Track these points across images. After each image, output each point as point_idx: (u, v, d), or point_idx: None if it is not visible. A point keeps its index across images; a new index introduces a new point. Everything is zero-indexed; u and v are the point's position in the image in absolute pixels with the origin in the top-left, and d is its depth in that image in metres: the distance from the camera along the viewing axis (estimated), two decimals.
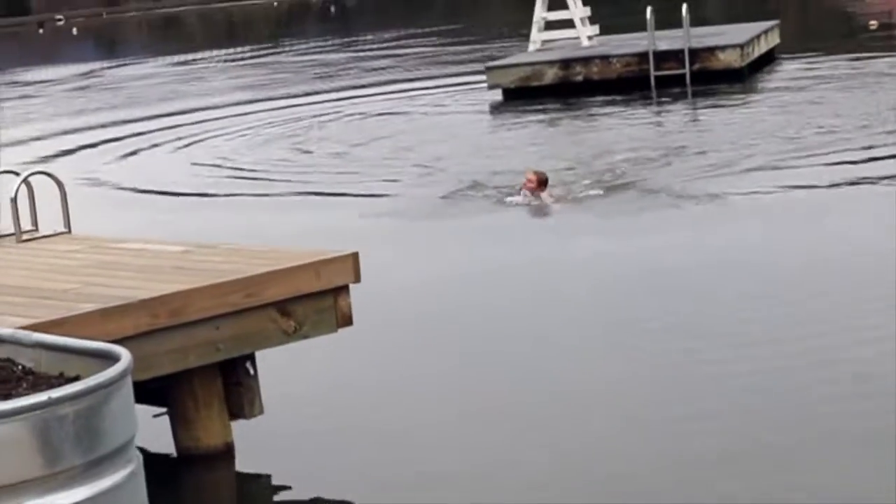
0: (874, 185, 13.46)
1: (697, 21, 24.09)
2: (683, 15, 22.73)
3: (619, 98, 21.87)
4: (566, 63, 23.46)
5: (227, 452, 7.48)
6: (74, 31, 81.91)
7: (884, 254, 10.34)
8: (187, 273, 7.33)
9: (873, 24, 31.80)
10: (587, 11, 26.17)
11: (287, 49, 39.93)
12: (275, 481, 7.32)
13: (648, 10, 22.50)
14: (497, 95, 23.39)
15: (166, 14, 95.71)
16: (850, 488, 6.36)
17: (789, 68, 24.42)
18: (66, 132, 23.55)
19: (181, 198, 15.87)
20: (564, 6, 25.81)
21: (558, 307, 10.03)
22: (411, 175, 16.37)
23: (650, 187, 14.16)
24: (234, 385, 7.48)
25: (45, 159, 19.49)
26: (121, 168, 18.97)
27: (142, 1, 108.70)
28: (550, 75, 23.38)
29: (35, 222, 9.04)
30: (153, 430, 7.26)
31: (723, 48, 23.11)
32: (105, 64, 38.83)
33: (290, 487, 7.18)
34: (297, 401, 8.24)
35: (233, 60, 36.15)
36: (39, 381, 3.83)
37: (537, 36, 25.94)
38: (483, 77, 24.09)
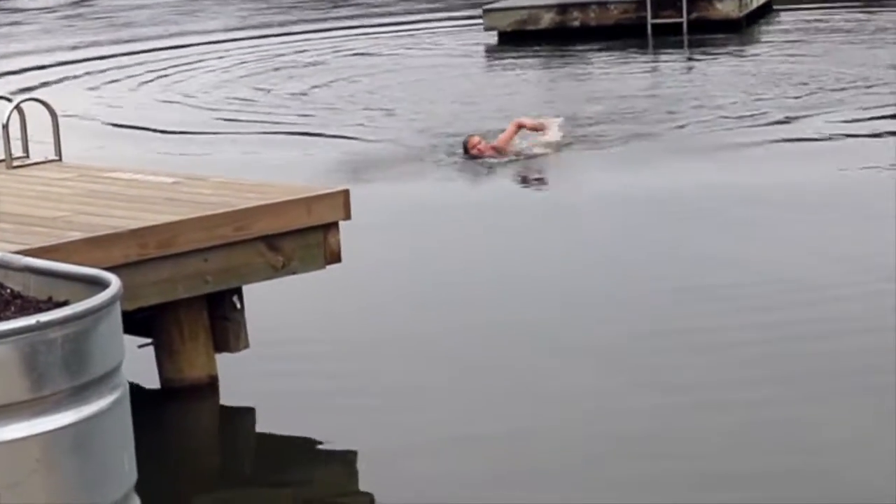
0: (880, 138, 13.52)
1: None
2: None
3: (615, 44, 21.78)
4: (563, 8, 23.34)
5: (212, 385, 7.49)
6: None
7: None
8: (177, 204, 7.32)
9: None
10: None
11: None
12: (258, 415, 7.35)
13: None
14: (493, 38, 23.29)
15: None
16: None
17: (787, 20, 24.32)
18: (56, 61, 23.41)
19: (161, 133, 15.70)
20: None
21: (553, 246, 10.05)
22: (390, 116, 16.19)
23: (641, 134, 14.11)
24: (221, 318, 7.48)
25: (31, 88, 19.35)
26: (101, 99, 18.84)
27: None
28: (547, 20, 23.27)
29: (26, 149, 9.00)
30: (137, 360, 7.25)
31: None
32: None
33: (272, 422, 7.21)
34: (282, 336, 8.23)
35: None
36: (27, 305, 3.83)
37: None
38: (480, 19, 23.99)
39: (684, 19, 22.65)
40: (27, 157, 8.95)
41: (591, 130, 14.47)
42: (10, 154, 8.80)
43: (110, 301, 3.59)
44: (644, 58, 20.75)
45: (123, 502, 3.70)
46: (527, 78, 19.38)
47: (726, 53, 20.50)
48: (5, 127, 8.66)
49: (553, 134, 13.64)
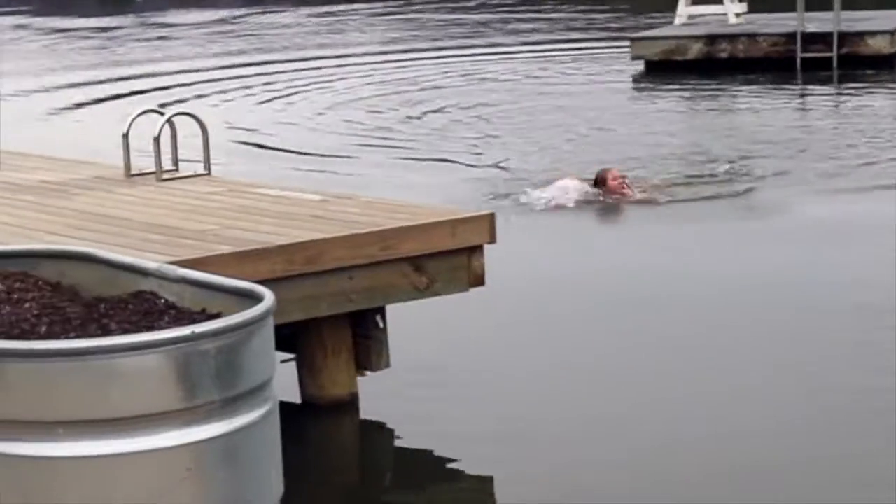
0: None
1: (848, 4, 23.64)
2: None
3: (763, 78, 21.56)
4: (712, 39, 23.19)
5: (352, 403, 7.52)
6: None
7: None
8: (324, 222, 7.37)
9: None
10: None
11: (432, 5, 39.88)
12: (398, 434, 7.35)
13: None
14: (639, 67, 23.21)
15: None
16: None
17: None
18: (202, 78, 23.76)
19: (306, 156, 15.75)
20: None
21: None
22: (526, 142, 16.08)
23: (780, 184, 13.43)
24: (363, 337, 7.51)
25: (176, 102, 19.64)
26: (223, 113, 19.03)
27: None
28: (695, 50, 23.13)
29: (176, 162, 9.13)
30: (279, 375, 7.29)
31: (873, 34, 22.68)
32: (246, 11, 39.10)
33: (412, 441, 7.21)
34: (424, 357, 8.24)
35: (377, 15, 36.20)
36: (181, 316, 3.87)
37: (684, 10, 25.65)
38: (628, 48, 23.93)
39: (834, 54, 22.37)
40: (176, 170, 9.08)
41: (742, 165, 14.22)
42: (161, 167, 8.93)
43: (264, 315, 3.61)
44: (790, 94, 20.48)
45: None
46: (668, 109, 19.21)
47: (878, 89, 20.18)
48: (156, 140, 8.79)
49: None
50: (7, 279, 4.27)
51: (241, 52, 27.76)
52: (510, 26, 31.19)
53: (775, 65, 22.38)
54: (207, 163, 9.03)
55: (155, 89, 22.03)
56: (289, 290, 6.82)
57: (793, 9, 22.84)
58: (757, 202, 12.70)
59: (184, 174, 9.00)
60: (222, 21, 35.71)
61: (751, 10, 26.18)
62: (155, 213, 7.80)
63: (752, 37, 23.11)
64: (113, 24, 37.04)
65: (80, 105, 21.10)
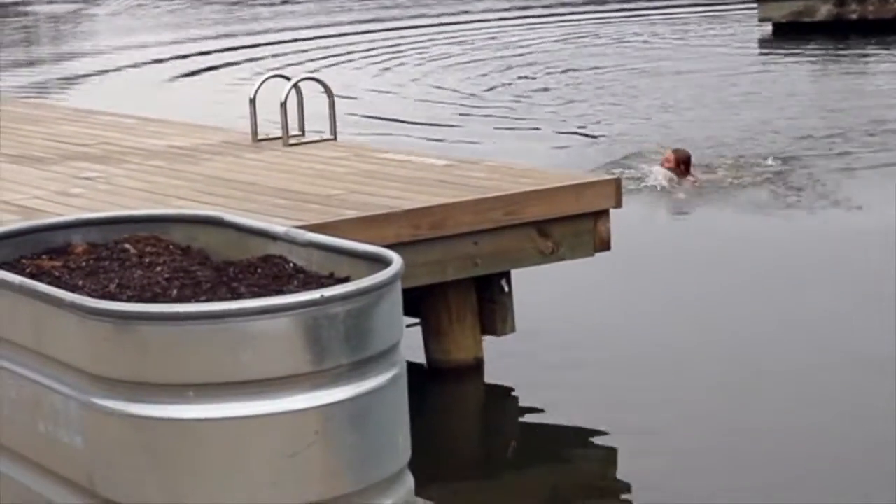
0: None
1: None
2: None
3: (891, 39, 21.11)
4: (841, 0, 22.81)
5: (477, 367, 7.53)
6: None
7: None
8: (449, 187, 7.37)
9: None
10: None
11: None
12: (522, 400, 7.35)
13: None
14: (767, 28, 22.88)
15: None
16: None
17: None
18: (321, 42, 23.80)
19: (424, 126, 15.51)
20: None
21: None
22: (638, 110, 15.63)
23: None
24: (488, 301, 7.51)
25: (301, 66, 19.68)
26: (372, 79, 19.04)
27: None
28: (824, 12, 22.74)
29: (302, 127, 9.18)
30: (404, 340, 7.31)
31: None
32: None
33: (537, 407, 7.20)
34: (548, 323, 8.21)
35: None
36: (310, 280, 3.88)
37: None
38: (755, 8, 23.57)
39: None
40: (302, 135, 9.13)
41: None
42: (287, 132, 8.98)
43: (392, 279, 3.62)
44: None
45: (397, 479, 3.73)
46: (797, 76, 18.70)
47: None
48: (283, 105, 8.84)
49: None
50: (139, 243, 4.33)
51: (372, 21, 27.79)
52: None
53: None
54: (333, 127, 9.07)
55: (269, 56, 22.06)
56: (414, 255, 6.82)
57: None
58: None
59: (310, 139, 9.05)
60: None
61: None
62: (281, 177, 7.86)
63: None
64: None
65: (198, 71, 21.29)
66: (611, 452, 6.66)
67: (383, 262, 3.70)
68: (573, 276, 8.20)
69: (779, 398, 7.07)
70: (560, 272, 7.71)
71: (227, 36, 25.51)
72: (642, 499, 6.19)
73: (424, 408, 7.05)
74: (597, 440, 6.76)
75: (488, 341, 7.56)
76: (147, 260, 4.19)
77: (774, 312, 8.41)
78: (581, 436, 6.82)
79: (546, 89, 17.59)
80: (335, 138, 9.03)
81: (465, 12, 27.04)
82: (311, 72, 18.39)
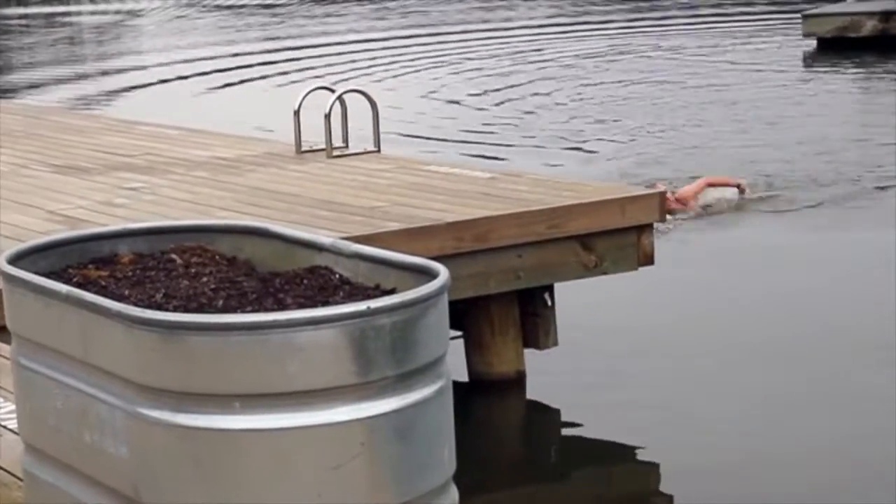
0: None
1: None
2: None
3: None
4: (887, 15, 22.66)
5: (519, 381, 7.52)
6: None
7: None
8: (493, 199, 7.37)
9: None
10: None
11: None
12: (564, 414, 7.33)
13: None
14: (811, 44, 22.78)
15: None
16: None
17: None
18: (360, 54, 23.85)
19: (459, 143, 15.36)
20: None
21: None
22: (686, 124, 15.49)
23: None
24: (531, 315, 7.50)
25: (340, 78, 19.73)
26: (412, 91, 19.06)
27: None
28: (869, 27, 22.63)
29: (346, 139, 9.19)
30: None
31: None
32: None
33: (578, 422, 7.18)
34: (591, 336, 8.19)
35: None
36: (356, 291, 3.86)
37: None
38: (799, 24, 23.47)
39: None
40: (346, 146, 9.14)
41: None
42: (331, 143, 9.00)
43: (439, 291, 3.59)
44: None
45: (442, 491, 3.70)
46: (839, 91, 18.55)
47: None
48: (327, 117, 8.86)
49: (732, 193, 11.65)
50: (185, 253, 4.32)
51: (411, 26, 27.82)
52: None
53: None
54: (377, 139, 9.08)
55: (311, 68, 22.12)
56: (458, 268, 6.82)
57: None
58: None
59: (353, 151, 9.06)
60: None
61: None
62: (325, 189, 7.87)
63: None
64: (280, 1, 37.43)
65: (238, 82, 21.36)
66: (653, 467, 6.64)
67: (430, 274, 3.68)
68: (616, 288, 8.16)
69: (825, 416, 7.02)
70: (604, 284, 7.68)
71: (268, 51, 25.58)
72: None
73: (467, 420, 7.04)
74: (639, 454, 6.74)
75: (530, 354, 7.54)
76: (193, 270, 4.18)
77: (826, 326, 8.38)
78: (623, 449, 6.80)
79: (582, 102, 17.57)
80: (379, 150, 9.05)
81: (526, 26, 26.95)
82: (353, 83, 18.45)
